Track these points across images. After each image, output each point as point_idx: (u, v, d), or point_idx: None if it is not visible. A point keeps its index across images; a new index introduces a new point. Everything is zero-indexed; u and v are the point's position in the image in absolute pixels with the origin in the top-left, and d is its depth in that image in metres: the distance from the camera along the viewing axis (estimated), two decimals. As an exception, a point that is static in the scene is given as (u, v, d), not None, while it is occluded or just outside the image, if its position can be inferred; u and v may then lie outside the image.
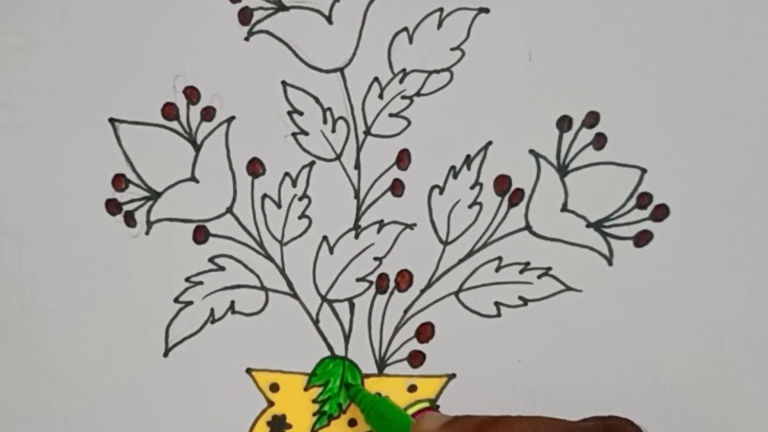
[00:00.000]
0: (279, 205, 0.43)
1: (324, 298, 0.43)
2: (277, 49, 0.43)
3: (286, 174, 0.43)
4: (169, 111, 0.43)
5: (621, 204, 0.43)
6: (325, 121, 0.43)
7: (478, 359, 0.43)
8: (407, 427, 0.37)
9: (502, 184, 0.43)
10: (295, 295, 0.43)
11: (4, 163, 0.43)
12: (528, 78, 0.43)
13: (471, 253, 0.43)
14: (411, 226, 0.43)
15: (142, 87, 0.43)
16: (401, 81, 0.43)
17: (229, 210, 0.43)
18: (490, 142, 0.43)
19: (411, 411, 0.43)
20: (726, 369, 0.43)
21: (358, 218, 0.43)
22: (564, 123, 0.43)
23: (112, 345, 0.43)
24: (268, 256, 0.43)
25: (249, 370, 0.43)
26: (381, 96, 0.43)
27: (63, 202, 0.43)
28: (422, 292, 0.43)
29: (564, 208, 0.43)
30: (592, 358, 0.43)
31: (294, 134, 0.43)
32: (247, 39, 0.43)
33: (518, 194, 0.43)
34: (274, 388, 0.43)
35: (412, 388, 0.43)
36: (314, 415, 0.44)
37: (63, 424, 0.43)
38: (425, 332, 0.43)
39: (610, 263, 0.43)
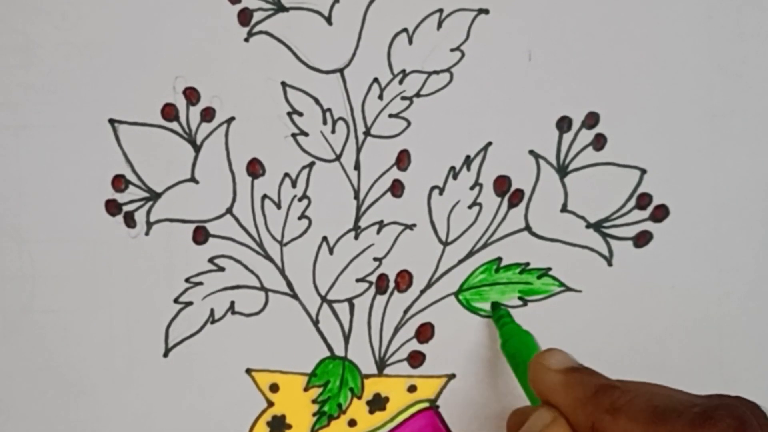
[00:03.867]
0: (279, 206, 0.43)
1: (324, 299, 0.43)
2: (276, 49, 0.43)
3: (286, 175, 0.43)
4: (169, 112, 0.43)
5: (621, 204, 0.43)
6: (324, 122, 0.43)
7: (478, 359, 0.43)
8: None
9: (502, 184, 0.43)
10: (294, 296, 0.43)
11: (4, 163, 0.43)
12: (528, 78, 0.43)
13: (471, 254, 0.43)
14: (411, 227, 0.43)
15: (142, 87, 0.43)
16: (401, 82, 0.43)
17: (229, 211, 0.43)
18: (489, 143, 0.43)
19: (411, 411, 0.44)
20: (726, 369, 0.43)
21: (357, 219, 0.43)
22: (564, 123, 0.43)
23: (112, 345, 0.43)
24: (267, 257, 0.43)
25: (249, 371, 0.43)
26: (381, 97, 0.43)
27: (63, 202, 0.43)
28: (422, 292, 0.43)
29: (564, 209, 0.43)
30: (592, 358, 0.43)
31: (294, 135, 0.43)
32: (246, 40, 0.43)
33: (518, 195, 0.43)
34: (274, 388, 0.43)
35: (412, 389, 0.44)
36: (314, 415, 0.44)
37: (63, 424, 0.43)
38: (425, 332, 0.43)
39: (609, 264, 0.43)
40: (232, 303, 0.43)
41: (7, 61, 0.43)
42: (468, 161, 0.43)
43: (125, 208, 0.43)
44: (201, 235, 0.43)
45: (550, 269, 0.43)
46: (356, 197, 0.43)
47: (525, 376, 0.36)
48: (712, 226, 0.43)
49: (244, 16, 0.43)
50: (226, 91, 0.43)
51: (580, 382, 0.33)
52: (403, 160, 0.43)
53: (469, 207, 0.43)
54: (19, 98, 0.43)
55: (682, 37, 0.43)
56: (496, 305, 0.43)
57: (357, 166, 0.43)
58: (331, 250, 0.43)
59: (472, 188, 0.43)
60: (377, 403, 0.44)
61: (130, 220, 0.43)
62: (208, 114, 0.43)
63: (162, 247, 0.43)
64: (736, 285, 0.44)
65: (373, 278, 0.43)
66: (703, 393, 0.31)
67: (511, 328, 0.41)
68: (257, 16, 0.43)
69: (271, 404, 0.43)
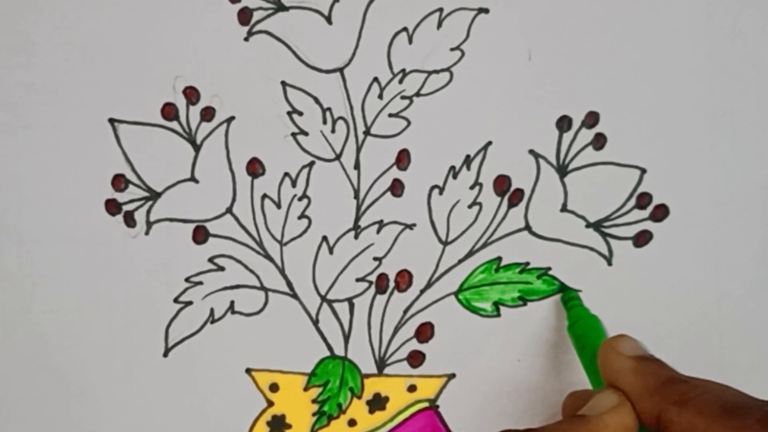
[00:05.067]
0: (279, 206, 0.43)
1: (324, 298, 0.43)
2: (276, 49, 0.43)
3: (286, 174, 0.43)
4: (169, 111, 0.43)
5: (621, 204, 0.43)
6: (324, 122, 0.43)
7: (478, 359, 0.43)
8: None
9: (502, 184, 0.43)
10: (294, 295, 0.43)
11: (4, 163, 0.43)
12: (528, 78, 0.43)
13: (471, 253, 0.43)
14: (411, 226, 0.43)
15: (142, 87, 0.43)
16: (401, 81, 0.43)
17: (229, 210, 0.43)
18: (489, 142, 0.43)
19: (411, 411, 0.44)
20: (726, 369, 0.43)
21: (357, 218, 0.43)
22: (564, 123, 0.43)
23: (112, 345, 0.43)
24: (267, 256, 0.43)
25: (249, 370, 0.43)
26: (381, 96, 0.43)
27: (63, 202, 0.43)
28: (422, 292, 0.43)
29: (564, 208, 0.43)
30: (591, 358, 0.43)
31: (294, 134, 0.43)
32: (246, 39, 0.43)
33: (518, 194, 0.43)
34: (274, 388, 0.43)
35: (412, 388, 0.44)
36: (314, 415, 0.44)
37: (63, 424, 0.43)
38: (425, 332, 0.43)
39: (609, 263, 0.43)
40: (232, 303, 0.43)
41: (7, 61, 0.43)
42: (468, 161, 0.43)
43: (125, 208, 0.43)
44: (201, 235, 0.43)
45: (550, 269, 0.43)
46: (356, 197, 0.43)
47: (590, 359, 0.37)
48: (712, 226, 0.43)
49: (244, 16, 0.43)
50: (226, 90, 0.43)
51: (651, 371, 0.33)
52: (402, 159, 0.43)
53: (469, 206, 0.43)
54: (19, 98, 0.43)
55: (682, 36, 0.43)
56: (565, 287, 0.43)
57: (357, 166, 0.43)
58: (331, 250, 0.43)
59: (472, 188, 0.43)
60: (377, 402, 0.44)
61: (129, 220, 0.43)
62: (208, 113, 0.43)
63: (162, 246, 0.43)
64: (735, 285, 0.44)
65: (373, 278, 0.43)
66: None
67: (579, 311, 0.41)
68: (257, 15, 0.43)
69: (270, 404, 0.43)
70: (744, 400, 0.30)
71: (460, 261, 0.43)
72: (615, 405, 0.33)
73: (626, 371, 0.34)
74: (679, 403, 0.31)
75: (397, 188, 0.43)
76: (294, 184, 0.43)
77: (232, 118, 0.43)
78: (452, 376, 0.44)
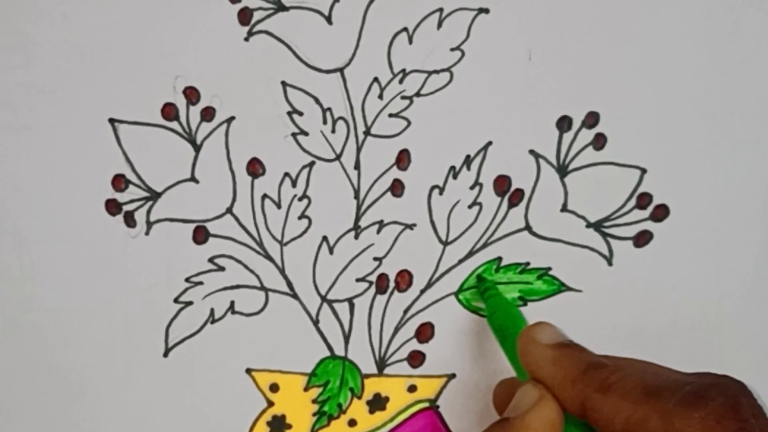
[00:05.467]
0: (279, 206, 0.43)
1: (324, 298, 0.43)
2: (276, 49, 0.43)
3: (286, 174, 0.43)
4: (169, 111, 0.43)
5: (621, 204, 0.43)
6: (324, 122, 0.43)
7: (478, 359, 0.43)
8: None
9: (502, 184, 0.43)
10: (295, 296, 0.43)
11: (4, 163, 0.43)
12: (528, 78, 0.43)
13: (471, 253, 0.43)
14: (411, 227, 0.43)
15: (142, 87, 0.43)
16: (401, 81, 0.43)
17: (229, 210, 0.43)
18: (490, 142, 0.43)
19: (411, 411, 0.44)
20: (726, 369, 0.43)
21: (357, 218, 0.43)
22: (564, 123, 0.43)
23: (112, 345, 0.43)
24: (268, 257, 0.43)
25: (249, 370, 0.43)
26: (381, 96, 0.43)
27: (63, 202, 0.43)
28: (422, 292, 0.43)
29: (564, 209, 0.43)
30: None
31: (294, 134, 0.43)
32: (246, 39, 0.43)
33: (518, 194, 0.43)
34: (274, 388, 0.43)
35: (412, 388, 0.44)
36: (314, 415, 0.44)
37: (63, 424, 0.43)
38: (425, 332, 0.43)
39: (610, 263, 0.43)
40: (232, 303, 0.43)
41: (7, 61, 0.43)
42: (468, 161, 0.43)
43: (125, 208, 0.43)
44: (201, 235, 0.43)
45: (550, 269, 0.43)
46: (356, 197, 0.43)
47: (512, 349, 0.36)
48: (712, 226, 0.43)
49: (244, 16, 0.43)
50: (226, 90, 0.43)
51: (570, 358, 0.33)
52: (403, 159, 0.43)
53: (469, 207, 0.43)
54: (19, 98, 0.43)
55: (682, 36, 0.43)
56: (481, 278, 0.43)
57: (357, 166, 0.43)
58: (331, 250, 0.43)
59: (472, 188, 0.43)
60: (377, 402, 0.44)
61: (130, 220, 0.43)
62: (208, 113, 0.43)
63: (162, 246, 0.43)
64: (735, 285, 0.44)
65: (373, 278, 0.43)
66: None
67: (497, 300, 0.41)
68: (257, 15, 0.43)
69: (271, 404, 0.43)
70: (666, 381, 0.30)
71: (461, 261, 0.43)
72: (536, 401, 0.32)
73: (546, 361, 0.33)
74: (601, 389, 0.30)
75: (397, 188, 0.43)
76: (294, 184, 0.43)
77: (233, 118, 0.43)
78: (452, 376, 0.44)
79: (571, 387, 0.32)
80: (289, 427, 0.44)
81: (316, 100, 0.43)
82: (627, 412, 0.29)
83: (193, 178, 0.43)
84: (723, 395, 0.29)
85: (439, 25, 0.43)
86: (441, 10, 0.43)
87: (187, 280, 0.43)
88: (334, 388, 0.43)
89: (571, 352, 0.33)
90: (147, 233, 0.43)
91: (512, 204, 0.43)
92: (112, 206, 0.43)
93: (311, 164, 0.43)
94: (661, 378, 0.30)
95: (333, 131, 0.43)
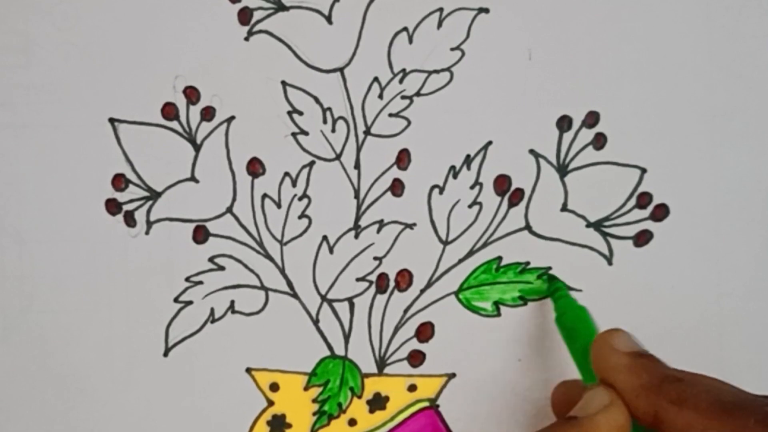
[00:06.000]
0: (279, 205, 0.43)
1: (324, 298, 0.43)
2: (276, 49, 0.43)
3: (286, 174, 0.43)
4: (169, 111, 0.43)
5: (621, 204, 0.43)
6: (324, 121, 0.43)
7: (478, 359, 0.43)
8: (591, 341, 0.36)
9: (502, 184, 0.43)
10: (295, 295, 0.43)
11: (4, 163, 0.43)
12: (528, 78, 0.43)
13: (471, 253, 0.43)
14: (411, 226, 0.43)
15: (142, 87, 0.43)
16: (401, 81, 0.43)
17: (229, 210, 0.43)
18: (490, 142, 0.43)
19: (411, 410, 0.43)
20: (726, 369, 0.43)
21: (358, 218, 0.43)
22: (564, 123, 0.43)
23: (112, 345, 0.43)
24: (268, 256, 0.43)
25: (249, 370, 0.43)
26: (381, 96, 0.43)
27: (63, 202, 0.43)
28: (422, 291, 0.43)
29: (564, 208, 0.43)
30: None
31: (294, 134, 0.43)
32: (246, 39, 0.43)
33: (518, 194, 0.43)
34: (274, 387, 0.43)
35: (412, 388, 0.43)
36: (314, 414, 0.44)
37: (63, 424, 0.43)
38: (425, 332, 0.43)
39: (610, 263, 0.43)
40: (232, 302, 0.43)
41: (7, 61, 0.43)
42: (468, 160, 0.43)
43: (125, 208, 0.43)
44: (201, 235, 0.43)
45: (550, 268, 0.43)
46: (356, 196, 0.43)
47: (581, 351, 0.36)
48: (712, 225, 0.43)
49: (244, 15, 0.43)
50: (226, 90, 0.43)
51: (647, 368, 0.33)
52: (403, 159, 0.43)
53: (470, 206, 0.43)
54: (19, 98, 0.43)
55: (682, 36, 0.43)
56: (552, 277, 0.43)
57: (357, 165, 0.43)
58: (331, 250, 0.43)
59: (472, 187, 0.43)
60: (377, 402, 0.44)
61: (130, 220, 0.43)
62: (208, 113, 0.43)
63: (162, 246, 0.43)
64: (735, 285, 0.44)
65: (373, 277, 0.43)
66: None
67: (566, 301, 0.41)
68: (257, 15, 0.43)
69: (271, 403, 0.43)
70: (743, 399, 0.30)
71: (461, 261, 0.43)
72: (607, 404, 0.32)
73: (621, 368, 0.33)
74: (677, 401, 0.31)
75: (397, 188, 0.43)
76: (294, 183, 0.43)
77: (233, 117, 0.43)
78: (452, 375, 0.44)
79: (645, 397, 0.32)
80: (289, 426, 0.43)
81: (316, 100, 0.43)
82: (701, 427, 0.29)
83: (193, 178, 0.43)
84: None
85: (439, 24, 0.43)
86: (441, 9, 0.43)
87: (187, 279, 0.43)
88: (334, 388, 0.43)
89: (647, 362, 0.33)
90: (147, 233, 0.43)
91: (512, 204, 0.43)
92: (112, 206, 0.43)
93: (311, 164, 0.43)
94: (738, 397, 0.30)
95: (333, 131, 0.43)
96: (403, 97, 0.43)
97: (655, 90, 0.43)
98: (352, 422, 0.44)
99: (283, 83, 0.43)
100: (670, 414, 0.31)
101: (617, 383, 0.33)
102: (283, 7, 0.43)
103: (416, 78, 0.43)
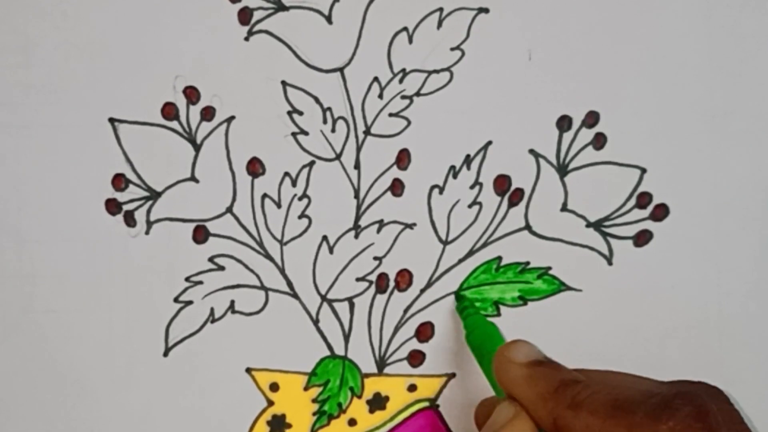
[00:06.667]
0: (279, 205, 0.43)
1: (324, 298, 0.43)
2: (276, 49, 0.43)
3: (286, 174, 0.43)
4: (169, 111, 0.43)
5: (621, 204, 0.43)
6: (324, 121, 0.43)
7: (478, 359, 0.43)
8: None
9: (502, 183, 0.43)
10: (295, 295, 0.43)
11: (4, 163, 0.43)
12: (528, 78, 0.43)
13: (471, 253, 0.43)
14: (411, 226, 0.43)
15: (142, 87, 0.43)
16: (401, 81, 0.43)
17: (229, 210, 0.43)
18: (489, 142, 0.43)
19: (411, 410, 0.43)
20: (726, 369, 0.43)
21: (357, 218, 0.43)
22: (564, 123, 0.43)
23: (112, 345, 0.43)
24: (268, 256, 0.43)
25: (249, 370, 0.43)
26: (381, 96, 0.43)
27: (63, 202, 0.43)
28: (422, 291, 0.43)
29: (564, 208, 0.43)
30: (591, 358, 0.43)
31: (294, 134, 0.43)
32: (246, 39, 0.43)
33: (518, 194, 0.43)
34: (274, 387, 0.43)
35: (412, 388, 0.43)
36: (314, 414, 0.44)
37: (63, 424, 0.43)
38: (425, 332, 0.43)
39: (609, 263, 0.43)
40: (232, 302, 0.43)
41: (7, 61, 0.43)
42: (468, 160, 0.43)
43: (125, 207, 0.43)
44: (201, 234, 0.43)
45: (550, 268, 0.43)
46: (356, 196, 0.43)
47: (489, 367, 0.36)
48: (712, 225, 0.43)
49: (244, 15, 0.43)
50: (226, 90, 0.43)
51: (543, 376, 0.33)
52: (403, 159, 0.43)
53: (469, 206, 0.43)
54: (19, 98, 0.43)
55: (682, 36, 0.43)
56: (459, 296, 0.43)
57: (357, 165, 0.43)
58: (331, 250, 0.43)
59: (472, 187, 0.43)
60: (377, 402, 0.44)
61: (130, 220, 0.43)
62: (208, 113, 0.43)
63: (162, 246, 0.43)
64: (736, 285, 0.44)
65: (373, 277, 0.43)
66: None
67: (475, 319, 0.41)
68: (257, 15, 0.43)
69: (271, 403, 0.43)
70: (634, 394, 0.30)
71: (461, 260, 0.43)
72: (510, 418, 0.33)
73: (519, 379, 0.33)
74: (573, 406, 0.31)
75: (397, 188, 0.43)
76: (294, 183, 0.43)
77: (232, 117, 0.43)
78: (452, 375, 0.44)
79: (543, 405, 0.32)
80: (289, 426, 0.43)
81: (316, 100, 0.43)
82: (597, 429, 0.29)
83: (193, 178, 0.43)
84: (690, 404, 0.29)
85: (439, 24, 0.43)
86: (441, 9, 0.43)
87: (187, 279, 0.43)
88: (334, 388, 0.43)
89: (544, 369, 0.33)
90: (147, 233, 0.43)
91: (512, 203, 0.43)
92: (112, 206, 0.43)
93: (311, 164, 0.43)
94: (630, 391, 0.30)
95: (333, 131, 0.43)
96: (403, 97, 0.43)
97: (655, 90, 0.43)
98: (352, 422, 0.44)
99: (283, 83, 0.43)
100: (567, 419, 0.31)
101: (518, 395, 0.33)
102: (283, 7, 0.43)
103: (416, 78, 0.43)
